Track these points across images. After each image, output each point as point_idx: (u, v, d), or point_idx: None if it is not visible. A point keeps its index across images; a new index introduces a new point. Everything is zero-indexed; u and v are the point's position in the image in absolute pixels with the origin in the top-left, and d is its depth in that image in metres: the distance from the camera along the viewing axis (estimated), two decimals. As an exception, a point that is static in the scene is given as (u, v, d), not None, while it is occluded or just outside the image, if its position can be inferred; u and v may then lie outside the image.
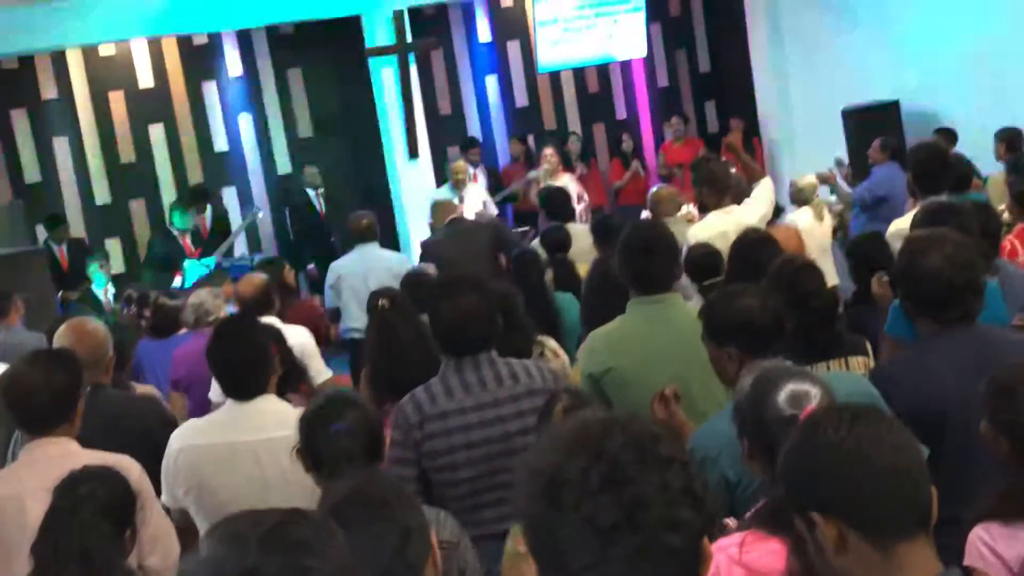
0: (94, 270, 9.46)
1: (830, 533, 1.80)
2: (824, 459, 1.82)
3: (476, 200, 9.99)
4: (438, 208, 8.45)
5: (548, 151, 10.61)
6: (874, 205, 8.46)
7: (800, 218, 7.62)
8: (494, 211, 10.37)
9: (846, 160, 9.95)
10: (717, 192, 5.93)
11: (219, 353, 3.58)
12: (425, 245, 8.29)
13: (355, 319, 7.48)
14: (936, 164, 5.76)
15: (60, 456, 3.29)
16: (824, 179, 8.86)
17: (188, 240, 10.33)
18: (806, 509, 1.84)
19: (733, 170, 6.43)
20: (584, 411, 2.82)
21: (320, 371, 5.41)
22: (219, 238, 10.52)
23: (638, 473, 1.41)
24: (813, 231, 7.58)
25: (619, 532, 1.39)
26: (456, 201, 9.18)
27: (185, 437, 3.61)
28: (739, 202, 5.99)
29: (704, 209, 6.15)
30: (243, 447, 3.13)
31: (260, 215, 11.31)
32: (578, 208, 9.58)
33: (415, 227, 10.90)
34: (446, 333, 3.51)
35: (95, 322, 4.45)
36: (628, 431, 1.46)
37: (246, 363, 3.55)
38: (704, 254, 5.29)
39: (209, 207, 11.01)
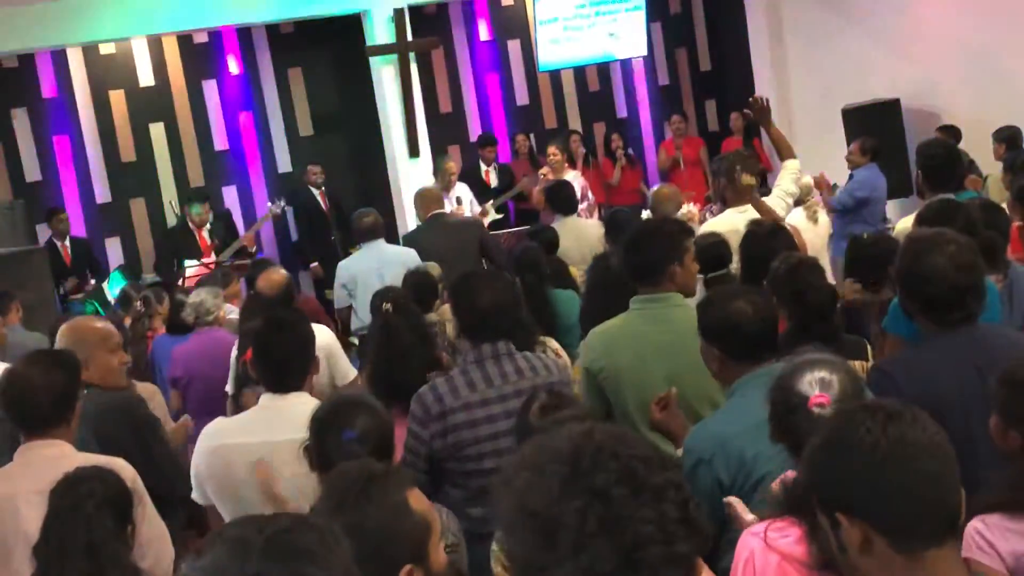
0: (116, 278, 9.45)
1: (855, 535, 1.76)
2: (856, 461, 1.77)
3: (464, 200, 9.97)
4: (425, 198, 8.08)
5: (552, 150, 10.61)
6: (855, 208, 8.45)
7: (793, 219, 7.54)
8: (478, 208, 10.32)
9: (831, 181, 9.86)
10: (738, 188, 5.87)
11: (267, 343, 3.55)
12: (408, 238, 8.07)
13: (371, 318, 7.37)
14: (946, 161, 5.76)
15: (55, 458, 3.29)
16: (819, 184, 8.82)
17: (204, 234, 10.33)
18: (832, 508, 1.79)
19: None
20: (564, 419, 2.85)
21: (346, 373, 5.32)
22: (223, 234, 10.52)
23: (635, 511, 1.37)
24: (806, 233, 7.51)
25: (619, 575, 1.36)
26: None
27: (217, 436, 3.57)
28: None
29: (724, 204, 6.09)
30: (283, 446, 3.08)
31: (278, 211, 10.91)
32: (581, 206, 9.57)
33: (415, 226, 10.89)
34: (476, 319, 3.67)
35: (94, 321, 4.44)
36: (619, 458, 1.41)
37: (292, 355, 3.54)
38: (709, 244, 5.25)
39: (210, 208, 11.00)
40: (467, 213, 9.70)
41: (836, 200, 8.56)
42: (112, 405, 4.10)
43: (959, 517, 1.79)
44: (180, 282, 9.42)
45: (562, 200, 7.89)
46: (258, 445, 3.43)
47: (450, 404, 3.57)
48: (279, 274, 5.98)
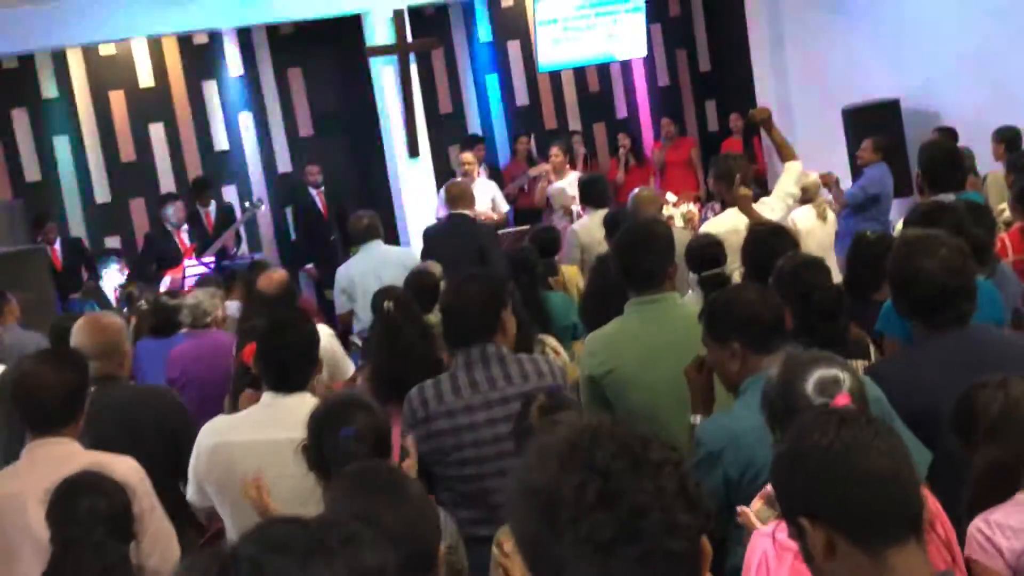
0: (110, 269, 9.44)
1: (819, 539, 1.80)
2: (810, 465, 1.82)
3: (485, 196, 9.80)
4: (458, 192, 7.93)
5: (554, 150, 10.60)
6: (865, 205, 8.47)
7: (801, 217, 7.53)
8: (505, 208, 10.16)
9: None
10: (734, 197, 5.86)
11: (273, 343, 3.55)
12: (425, 232, 8.02)
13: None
14: (948, 162, 5.76)
15: (62, 456, 3.29)
16: (826, 181, 8.84)
17: (184, 236, 10.28)
18: (795, 514, 1.84)
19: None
20: (562, 414, 2.85)
21: (345, 371, 5.32)
22: (223, 232, 10.48)
23: (633, 482, 1.40)
24: (814, 231, 7.49)
25: (619, 545, 1.38)
26: None
27: (219, 434, 3.57)
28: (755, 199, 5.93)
29: (724, 204, 6.09)
30: (285, 445, 3.07)
31: (262, 207, 11.10)
32: (576, 208, 9.56)
33: (415, 227, 10.89)
34: (448, 321, 3.62)
35: (111, 316, 4.51)
36: (617, 438, 1.44)
37: (296, 355, 3.54)
38: (704, 244, 5.27)
39: (214, 201, 10.99)
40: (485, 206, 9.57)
41: (849, 194, 8.61)
42: (147, 395, 4.25)
43: (920, 516, 1.82)
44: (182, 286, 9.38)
45: (596, 193, 7.85)
46: (260, 443, 3.43)
47: (433, 410, 3.52)
48: (280, 273, 5.98)
